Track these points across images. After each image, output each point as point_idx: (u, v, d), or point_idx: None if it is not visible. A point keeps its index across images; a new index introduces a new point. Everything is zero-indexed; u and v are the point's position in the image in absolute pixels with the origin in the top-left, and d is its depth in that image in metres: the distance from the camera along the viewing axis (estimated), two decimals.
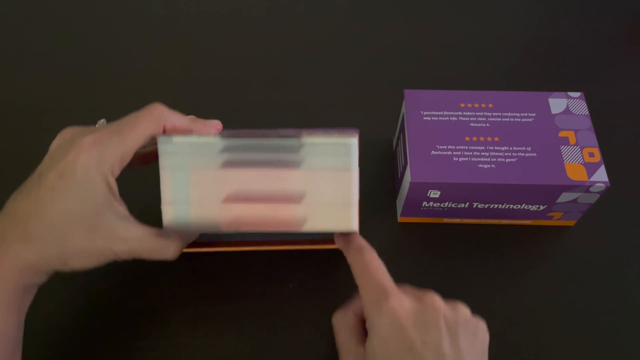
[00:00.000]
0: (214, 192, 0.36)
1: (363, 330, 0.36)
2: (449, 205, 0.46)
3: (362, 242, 0.37)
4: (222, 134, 0.37)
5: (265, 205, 0.36)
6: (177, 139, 0.36)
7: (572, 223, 0.49)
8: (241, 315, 0.44)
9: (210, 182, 0.36)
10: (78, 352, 0.41)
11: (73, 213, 0.32)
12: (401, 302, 0.33)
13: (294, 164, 0.36)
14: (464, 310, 0.34)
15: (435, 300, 0.33)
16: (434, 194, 0.45)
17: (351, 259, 0.36)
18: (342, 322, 0.36)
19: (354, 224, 0.36)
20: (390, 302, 0.32)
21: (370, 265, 0.35)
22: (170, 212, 0.36)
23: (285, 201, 0.36)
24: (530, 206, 0.46)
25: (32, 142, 0.54)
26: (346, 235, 0.38)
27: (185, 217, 0.36)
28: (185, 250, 0.40)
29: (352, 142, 0.35)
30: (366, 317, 0.33)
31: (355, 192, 0.36)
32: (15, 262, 0.32)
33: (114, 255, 0.34)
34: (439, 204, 0.46)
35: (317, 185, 0.36)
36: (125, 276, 0.45)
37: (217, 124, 0.40)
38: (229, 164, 0.36)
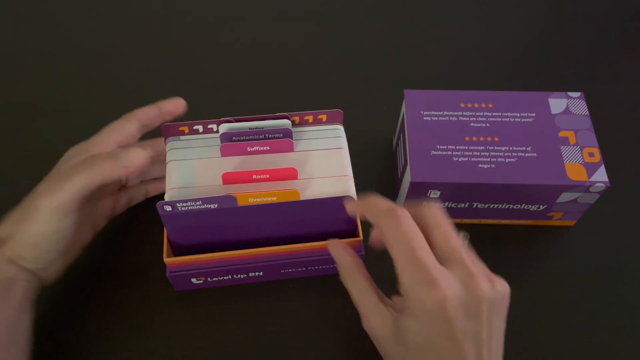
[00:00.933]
0: (216, 176, 0.39)
1: (373, 290, 0.36)
2: (449, 205, 0.46)
3: (389, 203, 0.35)
4: (221, 124, 0.40)
5: (265, 184, 0.39)
6: (184, 137, 0.41)
7: (572, 223, 0.49)
8: (241, 315, 0.44)
9: (213, 167, 0.40)
10: (77, 352, 0.41)
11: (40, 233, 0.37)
12: (447, 291, 0.31)
13: (288, 148, 0.40)
14: (504, 290, 0.33)
15: (482, 288, 0.32)
16: (434, 194, 0.45)
17: (383, 224, 0.34)
18: (359, 286, 0.36)
19: (351, 189, 0.39)
20: (438, 293, 0.31)
21: (410, 239, 0.32)
22: (174, 193, 0.39)
23: (283, 178, 0.39)
24: (530, 206, 0.46)
25: (32, 142, 0.54)
26: (364, 200, 0.36)
27: (188, 196, 0.39)
28: (185, 260, 0.40)
29: (339, 127, 0.42)
30: (404, 294, 0.32)
31: (348, 166, 0.40)
32: None
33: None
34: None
35: (311, 164, 0.40)
36: (125, 276, 0.45)
37: (176, 103, 0.44)
38: (228, 150, 0.40)
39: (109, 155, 0.37)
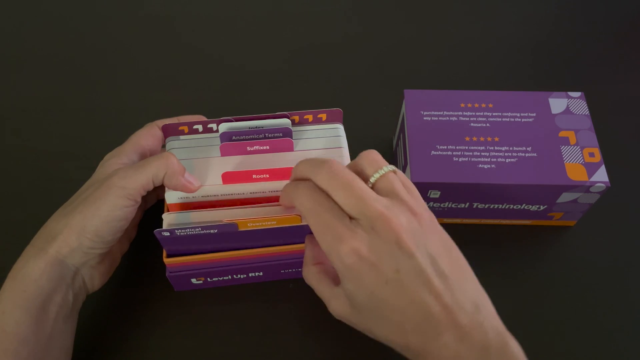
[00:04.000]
0: (216, 175, 0.39)
1: (333, 270, 0.36)
2: (449, 205, 0.46)
3: (299, 170, 0.35)
4: (221, 123, 0.40)
5: (265, 183, 0.40)
6: (184, 137, 0.41)
7: (572, 223, 0.49)
8: (241, 315, 0.44)
9: (212, 167, 0.40)
10: (77, 352, 0.40)
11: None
12: (357, 242, 0.31)
13: (288, 147, 0.40)
14: (423, 214, 0.33)
15: (394, 222, 0.31)
16: (434, 194, 0.45)
17: (295, 203, 0.34)
18: (312, 277, 0.37)
19: None
20: (347, 247, 0.31)
21: (314, 206, 0.33)
22: (173, 193, 0.39)
23: (283, 177, 0.39)
24: (530, 206, 0.46)
25: (31, 142, 0.54)
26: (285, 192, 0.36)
27: (188, 195, 0.40)
28: (185, 260, 0.41)
29: (339, 126, 0.42)
30: (332, 263, 0.32)
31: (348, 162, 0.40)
32: (32, 270, 0.36)
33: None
34: (439, 204, 0.46)
35: None
36: (125, 276, 0.45)
37: (197, 118, 0.45)
38: (228, 150, 0.40)
39: (175, 156, 0.39)
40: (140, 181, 0.37)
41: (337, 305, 0.34)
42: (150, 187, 0.38)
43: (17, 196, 0.51)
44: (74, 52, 0.62)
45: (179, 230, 0.37)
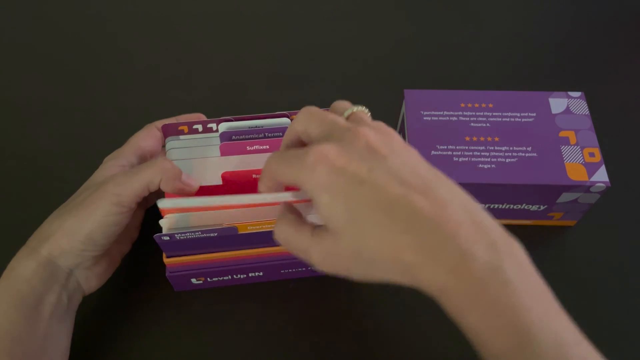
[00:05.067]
0: (216, 175, 0.39)
1: (306, 224, 0.33)
2: None
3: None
4: (220, 122, 0.40)
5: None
6: (183, 137, 0.41)
7: (572, 223, 0.49)
8: (241, 315, 0.44)
9: (212, 166, 0.40)
10: (77, 352, 0.40)
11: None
12: (324, 149, 0.29)
13: None
14: (383, 127, 0.32)
15: (359, 131, 0.30)
16: None
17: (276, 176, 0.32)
18: (286, 227, 0.33)
19: None
20: (313, 156, 0.29)
21: (282, 156, 0.32)
22: (172, 221, 0.38)
23: None
24: (530, 206, 0.46)
25: (31, 143, 0.54)
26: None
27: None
28: (184, 260, 0.41)
29: None
30: (307, 192, 0.30)
31: None
32: (24, 270, 0.36)
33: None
34: None
35: None
36: (125, 276, 0.45)
37: (196, 117, 0.45)
38: (227, 150, 0.40)
39: (170, 161, 0.38)
40: (134, 189, 0.37)
41: (318, 250, 0.31)
42: (146, 194, 0.38)
43: (15, 196, 0.51)
44: (74, 52, 0.62)
45: (179, 235, 0.37)
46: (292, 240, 0.32)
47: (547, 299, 0.28)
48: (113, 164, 0.41)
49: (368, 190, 0.28)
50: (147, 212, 0.47)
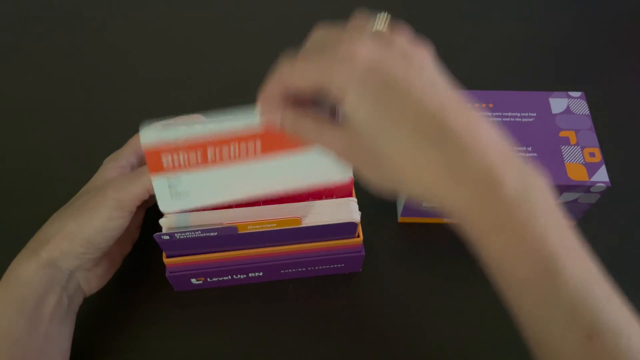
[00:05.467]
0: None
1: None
2: None
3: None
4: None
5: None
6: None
7: (572, 223, 0.49)
8: (241, 315, 0.44)
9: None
10: (77, 352, 0.40)
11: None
12: (356, 43, 0.28)
13: None
14: (412, 38, 0.31)
15: (396, 36, 0.29)
16: None
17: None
18: (303, 121, 0.31)
19: (354, 213, 0.40)
20: (345, 49, 0.27)
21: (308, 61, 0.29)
22: (171, 219, 0.38)
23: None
24: None
25: (30, 143, 0.54)
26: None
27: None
28: (184, 260, 0.40)
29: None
30: (331, 90, 0.28)
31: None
32: (24, 272, 0.36)
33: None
34: None
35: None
36: (125, 276, 0.45)
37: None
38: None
39: None
40: (134, 193, 0.37)
41: (340, 139, 0.29)
42: (146, 197, 0.38)
43: (15, 197, 0.50)
44: (73, 52, 0.62)
45: (179, 234, 0.37)
46: (311, 127, 0.30)
47: (571, 235, 0.28)
48: (113, 165, 0.41)
49: (400, 96, 0.27)
50: (147, 212, 0.47)
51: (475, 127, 0.27)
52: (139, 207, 0.40)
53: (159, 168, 0.35)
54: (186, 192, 0.36)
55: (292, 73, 0.29)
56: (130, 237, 0.44)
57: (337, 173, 0.37)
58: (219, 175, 0.35)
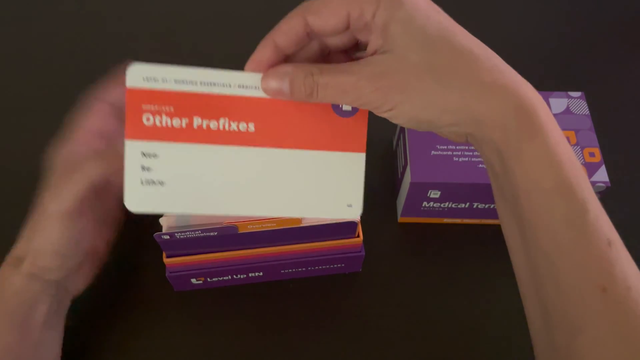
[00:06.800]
0: None
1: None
2: (449, 205, 0.46)
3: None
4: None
5: None
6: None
7: None
8: (241, 315, 0.44)
9: None
10: (77, 352, 0.41)
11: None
12: None
13: None
14: None
15: None
16: (434, 194, 0.45)
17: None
18: (311, 68, 0.28)
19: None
20: None
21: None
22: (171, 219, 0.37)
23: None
24: None
25: (28, 144, 0.54)
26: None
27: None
28: (184, 260, 0.40)
29: None
30: (371, 16, 0.27)
31: None
32: (11, 286, 0.35)
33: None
34: (439, 204, 0.46)
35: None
36: (125, 276, 0.45)
37: None
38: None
39: (111, 150, 0.35)
40: (75, 197, 0.34)
41: (369, 70, 0.27)
42: (96, 191, 0.35)
43: (15, 198, 0.50)
44: (72, 52, 0.61)
45: (179, 234, 0.37)
46: (327, 70, 0.28)
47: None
48: (64, 160, 0.36)
49: (446, 25, 0.28)
50: None
51: (498, 61, 0.30)
52: (107, 188, 0.35)
53: (138, 127, 0.29)
54: (160, 181, 0.30)
55: (316, 6, 0.28)
56: (110, 222, 0.40)
57: (342, 202, 0.32)
58: (202, 167, 0.30)
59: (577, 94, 0.48)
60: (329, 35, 0.29)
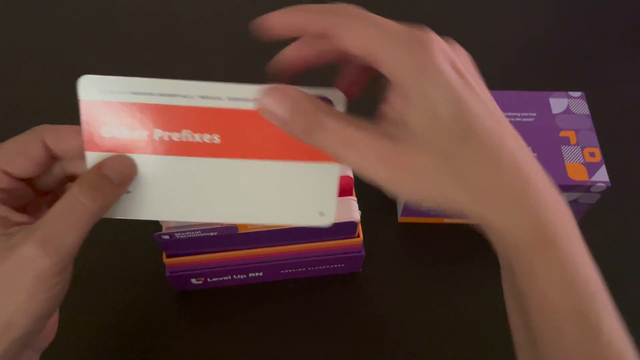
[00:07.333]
0: None
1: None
2: None
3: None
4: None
5: None
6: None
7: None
8: (241, 315, 0.44)
9: None
10: (77, 352, 0.41)
11: None
12: (433, 34, 0.24)
13: None
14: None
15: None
16: None
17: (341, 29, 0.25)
18: (335, 113, 0.26)
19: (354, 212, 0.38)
20: (424, 35, 0.24)
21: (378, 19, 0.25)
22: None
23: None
24: None
25: None
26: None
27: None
28: (184, 260, 0.40)
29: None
30: (401, 74, 0.24)
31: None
32: None
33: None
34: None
35: None
36: (125, 276, 0.45)
37: None
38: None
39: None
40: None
41: (378, 142, 0.24)
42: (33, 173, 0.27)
43: None
44: (73, 51, 0.61)
45: (179, 234, 0.37)
46: (336, 115, 0.25)
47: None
48: None
49: (478, 112, 0.24)
50: None
51: (525, 150, 0.27)
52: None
53: (96, 139, 0.28)
54: (127, 190, 0.29)
55: (348, 31, 0.24)
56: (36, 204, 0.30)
57: (316, 210, 0.30)
58: (166, 178, 0.29)
59: (577, 94, 0.48)
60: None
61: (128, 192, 0.29)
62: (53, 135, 0.27)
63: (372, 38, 0.24)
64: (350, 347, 0.43)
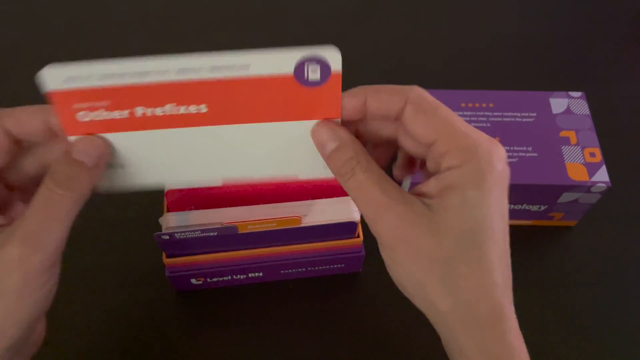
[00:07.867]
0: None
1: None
2: None
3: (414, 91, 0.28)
4: None
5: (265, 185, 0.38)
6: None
7: (573, 223, 0.49)
8: (241, 315, 0.44)
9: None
10: (77, 352, 0.40)
11: None
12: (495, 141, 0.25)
13: None
14: None
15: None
16: None
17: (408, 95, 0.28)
18: (368, 170, 0.27)
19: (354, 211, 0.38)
20: (491, 143, 0.25)
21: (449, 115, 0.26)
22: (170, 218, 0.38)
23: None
24: (531, 206, 0.46)
25: None
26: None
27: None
28: (184, 260, 0.40)
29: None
30: (466, 169, 0.25)
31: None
32: None
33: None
34: None
35: None
36: (124, 276, 0.45)
37: None
38: None
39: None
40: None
41: (396, 215, 0.25)
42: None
43: None
44: (72, 51, 0.61)
45: (179, 234, 0.37)
46: (369, 185, 0.26)
47: None
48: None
49: (495, 226, 0.25)
50: (147, 211, 0.46)
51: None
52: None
53: (75, 124, 0.27)
54: (121, 165, 0.29)
55: (423, 125, 0.26)
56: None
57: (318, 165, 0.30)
58: (157, 150, 0.29)
59: (577, 94, 0.48)
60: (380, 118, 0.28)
61: (122, 167, 0.29)
62: (13, 120, 0.26)
63: (443, 132, 0.26)
64: (350, 347, 0.43)
